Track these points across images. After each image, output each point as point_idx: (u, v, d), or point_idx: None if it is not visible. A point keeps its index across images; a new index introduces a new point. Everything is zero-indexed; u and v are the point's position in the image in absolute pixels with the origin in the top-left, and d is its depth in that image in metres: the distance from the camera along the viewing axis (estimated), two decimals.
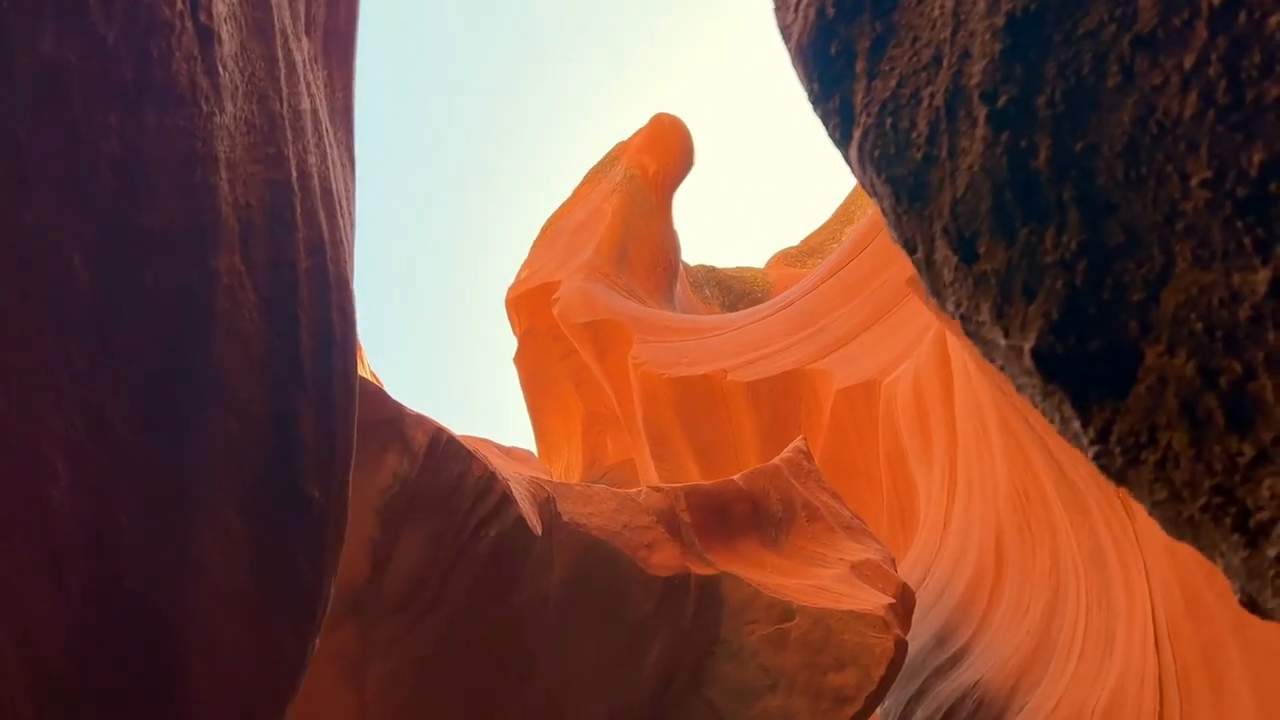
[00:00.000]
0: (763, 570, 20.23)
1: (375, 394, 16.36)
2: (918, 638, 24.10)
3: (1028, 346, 2.54)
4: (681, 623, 18.93)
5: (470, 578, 16.29)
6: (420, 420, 16.44)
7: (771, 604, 19.27)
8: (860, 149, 3.16)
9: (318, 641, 4.70)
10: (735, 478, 21.92)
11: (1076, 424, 2.48)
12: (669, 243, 49.62)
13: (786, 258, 62.78)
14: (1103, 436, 2.41)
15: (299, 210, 4.82)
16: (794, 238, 63.64)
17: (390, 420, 16.21)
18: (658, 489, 20.43)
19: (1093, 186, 2.36)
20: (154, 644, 3.61)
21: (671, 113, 51.21)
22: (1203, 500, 2.19)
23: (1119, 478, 2.46)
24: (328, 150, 5.19)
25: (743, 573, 19.74)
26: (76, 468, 3.27)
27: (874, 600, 19.58)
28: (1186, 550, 16.09)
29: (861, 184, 3.41)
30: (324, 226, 5.00)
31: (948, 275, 2.84)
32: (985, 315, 2.70)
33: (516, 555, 16.90)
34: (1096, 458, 2.48)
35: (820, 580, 20.27)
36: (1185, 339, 2.15)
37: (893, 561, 22.32)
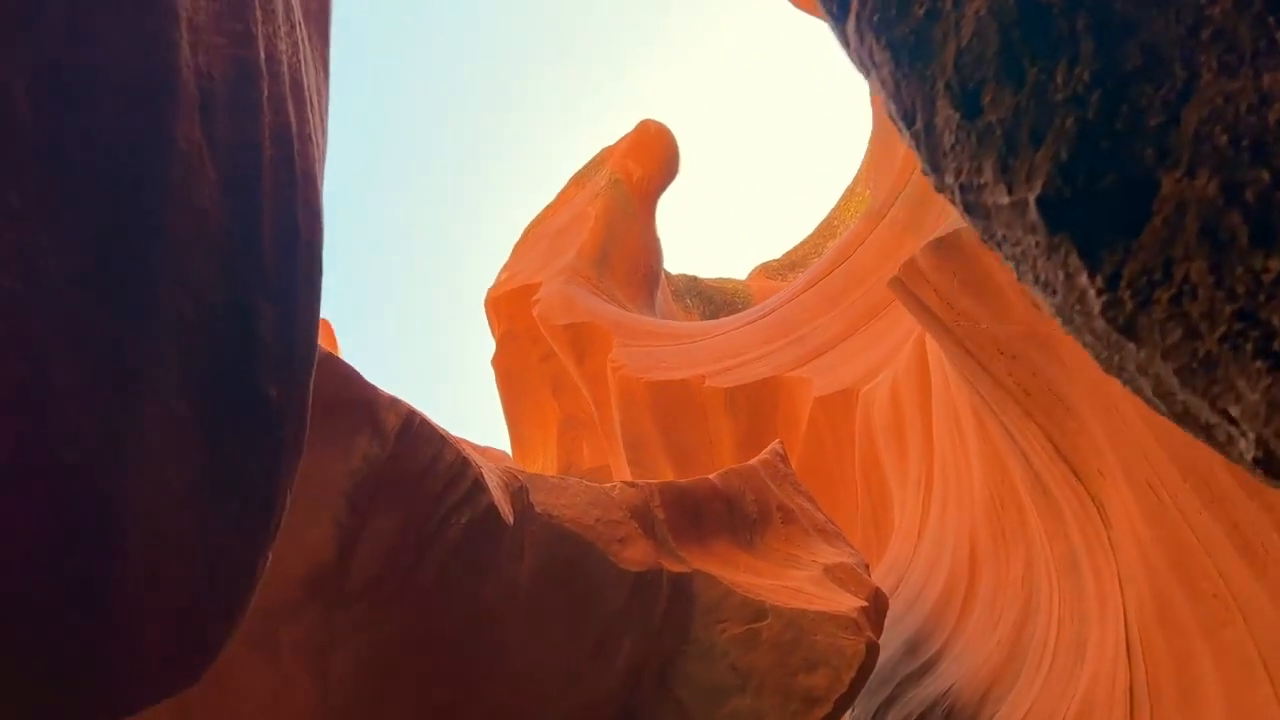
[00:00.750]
0: (736, 570, 20.05)
1: (348, 374, 16.06)
2: (889, 646, 23.97)
3: (1033, 197, 2.39)
4: (652, 620, 18.69)
5: (439, 564, 15.99)
6: (394, 403, 16.15)
7: (744, 603, 19.08)
8: (859, 19, 3.02)
9: (270, 555, 4.43)
10: (711, 477, 21.77)
11: (1083, 277, 2.33)
12: (651, 249, 49.59)
13: (768, 270, 62.90)
14: (1112, 283, 2.25)
15: (266, 94, 4.58)
16: (777, 251, 63.71)
17: (363, 402, 15.90)
18: (632, 484, 20.23)
19: (1108, 11, 2.22)
20: (89, 521, 3.36)
21: (657, 119, 51.35)
22: (1222, 330, 2.04)
23: (1127, 328, 2.31)
24: (300, 45, 4.95)
25: (716, 571, 19.55)
26: (6, 311, 3.03)
27: (847, 602, 19.44)
28: (1160, 556, 16.03)
29: (857, 61, 3.27)
30: (293, 118, 4.75)
31: (948, 139, 2.69)
32: (988, 174, 2.55)
33: (487, 543, 16.62)
34: (1105, 309, 2.32)
35: (793, 581, 20.12)
36: (1208, 156, 2.01)
37: (866, 566, 22.23)
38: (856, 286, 35.96)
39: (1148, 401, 2.68)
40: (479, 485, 16.36)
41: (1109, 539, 17.26)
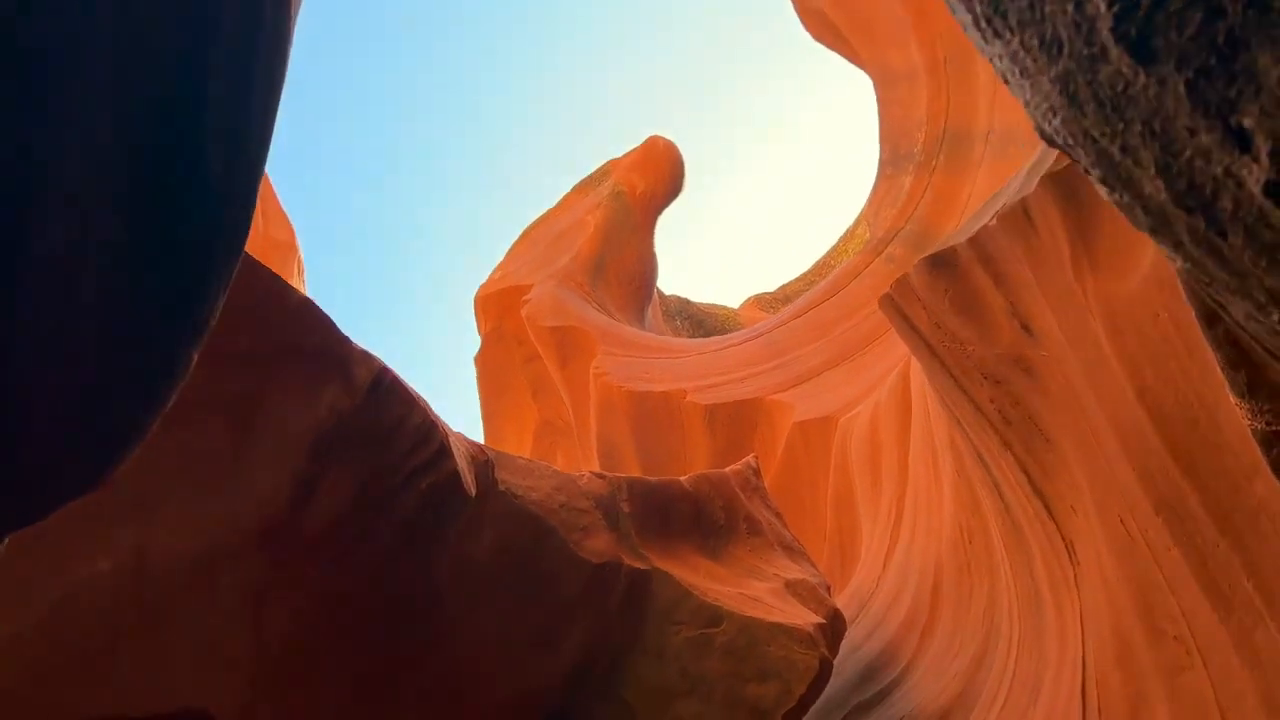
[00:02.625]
0: (696, 573, 19.72)
1: (323, 322, 15.74)
2: (844, 672, 23.60)
3: None
4: (606, 613, 18.31)
5: (395, 526, 15.60)
6: (366, 357, 15.82)
7: (700, 607, 18.73)
8: None
9: (195, 355, 4.06)
10: (681, 479, 21.48)
11: None
12: (647, 264, 49.49)
13: (761, 302, 62.99)
14: None
15: None
16: (771, 285, 63.92)
17: (335, 352, 15.56)
18: (600, 476, 19.91)
19: None
20: None
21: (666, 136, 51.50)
22: None
23: (1140, 41, 2.06)
24: None
25: (676, 572, 19.21)
26: None
27: (804, 617, 19.13)
28: (1125, 595, 15.77)
29: None
30: None
31: None
32: None
33: (446, 512, 16.25)
34: (1118, 23, 2.07)
35: (753, 591, 19.79)
36: None
37: (828, 587, 21.93)
38: (847, 318, 35.90)
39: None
40: (444, 451, 16.01)
41: (1074, 576, 17.01)
